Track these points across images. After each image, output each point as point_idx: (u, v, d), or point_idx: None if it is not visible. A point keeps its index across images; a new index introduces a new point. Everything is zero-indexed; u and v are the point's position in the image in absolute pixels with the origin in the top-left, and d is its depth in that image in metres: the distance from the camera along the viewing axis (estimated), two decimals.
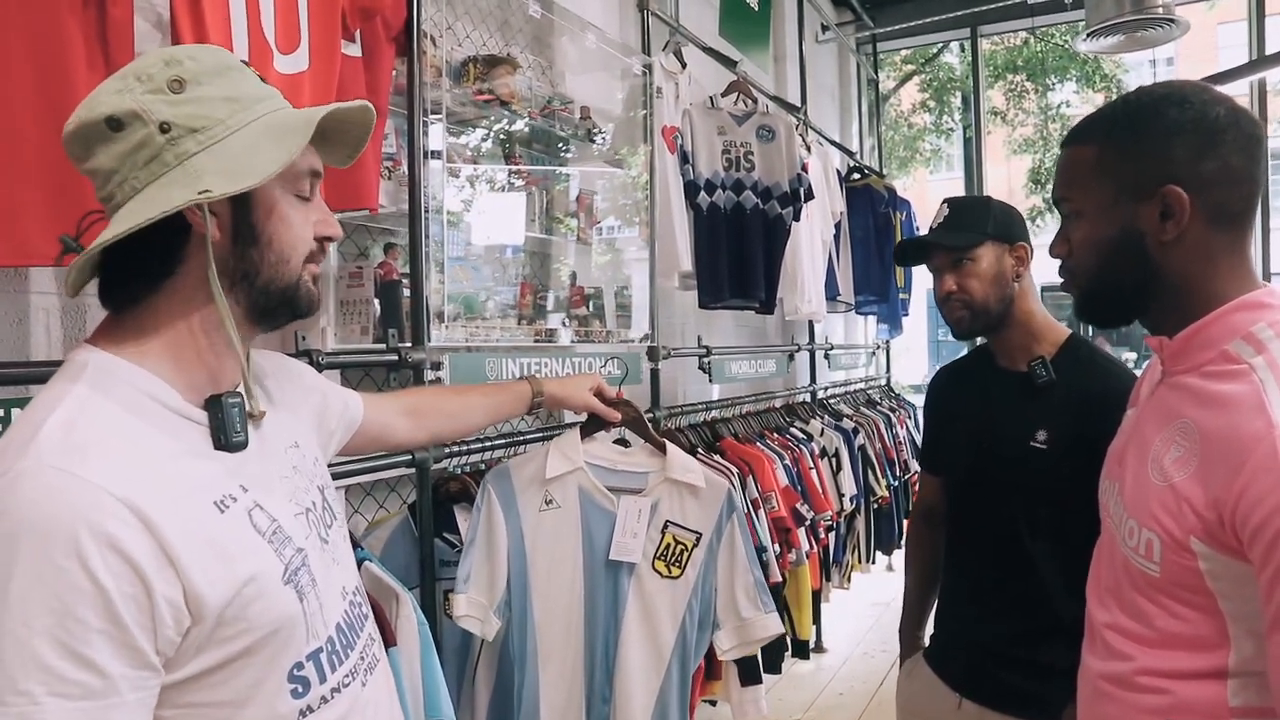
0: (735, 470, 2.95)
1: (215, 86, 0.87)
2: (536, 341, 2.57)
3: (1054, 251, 1.17)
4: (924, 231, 1.82)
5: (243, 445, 0.92)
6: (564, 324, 2.77)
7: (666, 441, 1.82)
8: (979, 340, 1.85)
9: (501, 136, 2.69)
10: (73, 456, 0.77)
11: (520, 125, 2.68)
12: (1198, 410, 1.00)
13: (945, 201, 1.79)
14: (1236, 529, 0.91)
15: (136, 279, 0.88)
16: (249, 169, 0.85)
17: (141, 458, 0.82)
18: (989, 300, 1.69)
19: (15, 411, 1.30)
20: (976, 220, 1.71)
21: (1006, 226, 1.71)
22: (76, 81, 1.28)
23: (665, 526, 1.77)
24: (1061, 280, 1.17)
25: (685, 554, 1.77)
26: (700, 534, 1.77)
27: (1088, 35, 3.96)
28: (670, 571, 1.76)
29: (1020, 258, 1.70)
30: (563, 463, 1.76)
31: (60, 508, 0.74)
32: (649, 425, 1.78)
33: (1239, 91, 5.51)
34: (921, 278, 6.63)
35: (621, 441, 1.88)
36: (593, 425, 1.78)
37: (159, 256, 0.87)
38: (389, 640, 1.46)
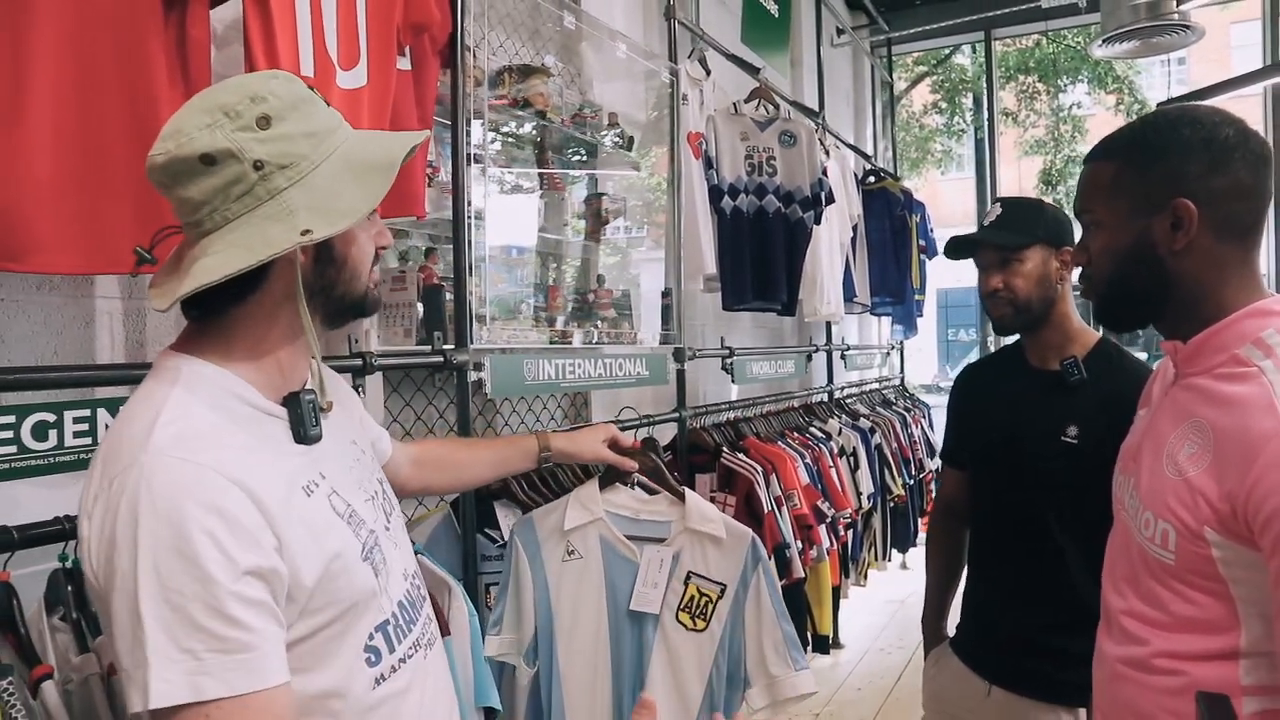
0: (760, 468, 3.02)
1: (295, 122, 0.94)
2: (566, 343, 2.63)
3: (1074, 259, 1.25)
4: (957, 231, 1.86)
5: (319, 438, 1.01)
6: (594, 326, 2.84)
7: (686, 489, 1.77)
8: (1003, 340, 1.91)
9: (535, 140, 2.76)
10: (190, 446, 0.87)
11: (553, 130, 2.75)
12: (1210, 410, 1.07)
13: (998, 201, 1.85)
14: (1249, 520, 0.99)
15: (225, 294, 0.95)
16: (340, 209, 0.94)
17: (240, 448, 0.91)
18: (1032, 300, 1.75)
19: (69, 414, 1.36)
20: (1030, 223, 1.77)
21: (1057, 231, 1.77)
22: (159, 98, 1.35)
23: (688, 578, 1.72)
24: (1081, 287, 1.25)
25: (710, 606, 1.72)
26: (725, 585, 1.71)
27: (1103, 41, 4.01)
28: (695, 624, 1.71)
29: (1066, 262, 1.76)
30: (581, 514, 1.74)
31: (187, 492, 0.84)
32: (668, 473, 1.75)
33: (1253, 93, 5.54)
34: (934, 279, 6.67)
35: (646, 488, 1.83)
36: (613, 474, 1.75)
37: (249, 276, 0.93)
38: (444, 629, 1.53)
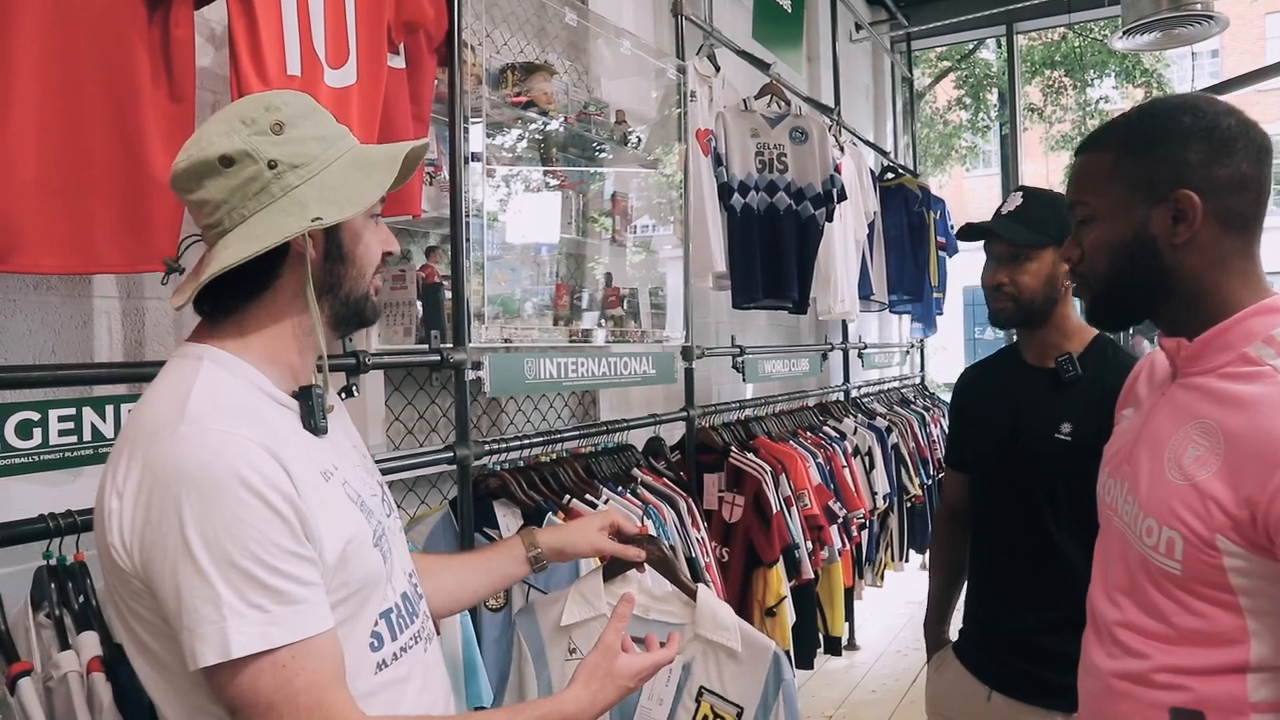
0: (768, 468, 3.00)
1: (306, 127, 1.00)
2: (572, 341, 2.62)
3: (1065, 255, 1.20)
4: (980, 219, 1.78)
5: (325, 430, 1.05)
6: (599, 324, 2.83)
7: (700, 587, 1.56)
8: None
9: (539, 139, 2.75)
10: (225, 419, 0.92)
11: (556, 127, 2.74)
12: (1218, 410, 1.02)
13: (1019, 189, 1.78)
14: (1269, 528, 0.94)
15: (238, 291, 1.00)
16: (349, 199, 1.00)
17: (270, 425, 0.96)
18: (1036, 299, 1.70)
19: (86, 410, 1.37)
20: (1046, 221, 1.69)
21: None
22: (143, 98, 1.36)
23: (700, 694, 1.51)
24: (1071, 284, 1.20)
25: None
26: (742, 709, 1.49)
27: (1124, 33, 3.94)
28: None
29: None
30: (582, 608, 1.53)
31: (230, 459, 0.89)
32: (679, 567, 1.53)
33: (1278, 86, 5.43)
34: (955, 276, 6.59)
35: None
36: (618, 565, 1.54)
37: (262, 273, 1.00)
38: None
